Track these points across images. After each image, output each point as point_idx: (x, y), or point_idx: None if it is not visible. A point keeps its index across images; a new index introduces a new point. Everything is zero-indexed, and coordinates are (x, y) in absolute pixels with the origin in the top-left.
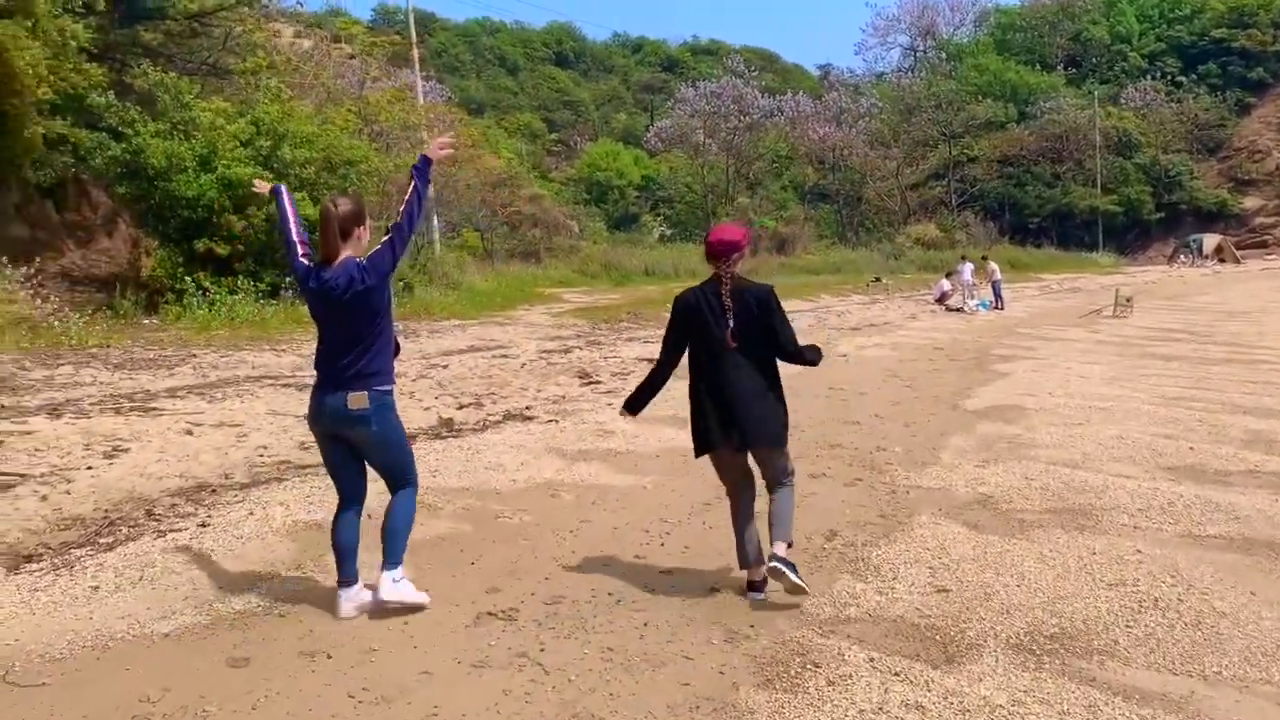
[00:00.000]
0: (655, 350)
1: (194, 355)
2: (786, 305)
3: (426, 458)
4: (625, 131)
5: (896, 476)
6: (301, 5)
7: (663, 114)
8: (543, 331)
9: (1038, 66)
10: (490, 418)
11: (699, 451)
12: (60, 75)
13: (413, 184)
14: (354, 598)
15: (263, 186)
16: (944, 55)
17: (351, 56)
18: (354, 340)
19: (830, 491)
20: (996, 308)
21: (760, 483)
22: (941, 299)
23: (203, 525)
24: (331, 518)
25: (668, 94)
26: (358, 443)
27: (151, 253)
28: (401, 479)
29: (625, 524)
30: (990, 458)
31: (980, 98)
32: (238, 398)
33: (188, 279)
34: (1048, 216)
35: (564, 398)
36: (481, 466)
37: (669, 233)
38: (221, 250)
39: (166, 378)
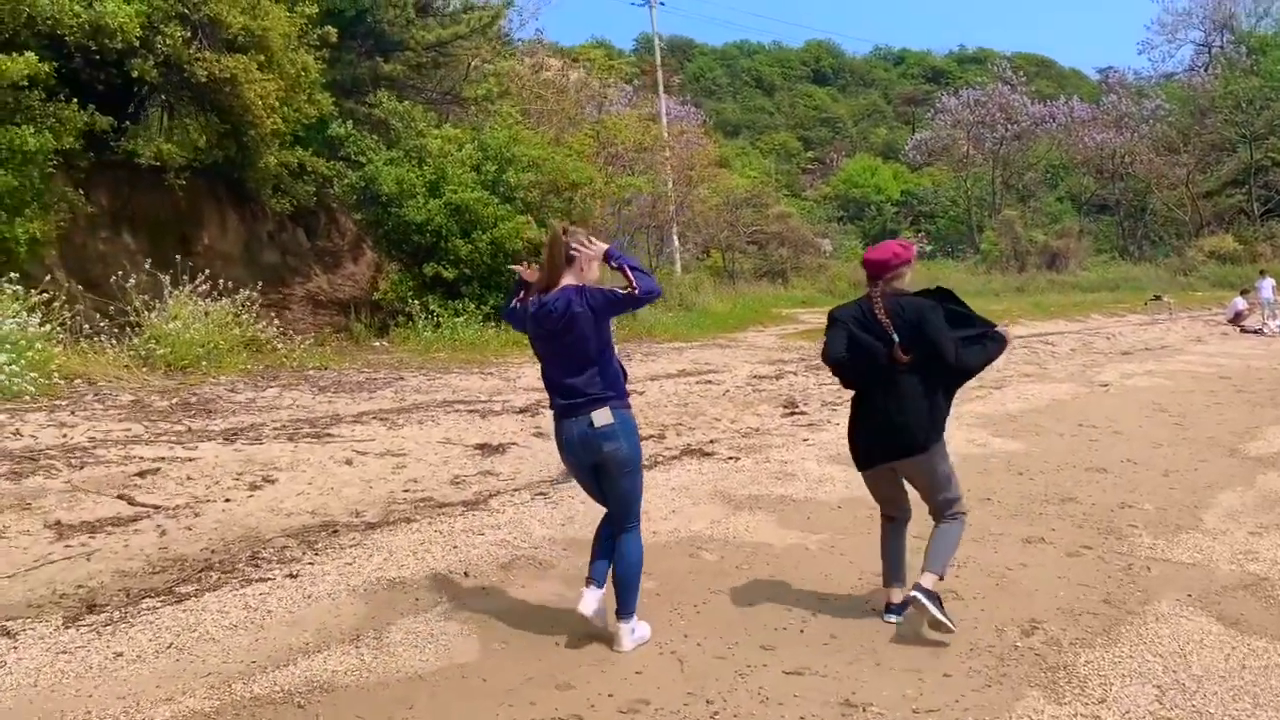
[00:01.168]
0: None
1: (401, 378)
2: (1050, 326)
3: (566, 501)
4: (885, 146)
5: (1139, 545)
6: (541, 33)
7: (924, 126)
8: (763, 355)
9: None
10: (666, 452)
11: (858, 467)
12: (295, 106)
13: (621, 269)
14: (598, 598)
15: (529, 274)
16: (1245, 49)
17: (608, 85)
18: (582, 365)
19: (1045, 564)
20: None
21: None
22: (1235, 319)
23: (291, 575)
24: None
25: (930, 106)
26: (604, 464)
27: (388, 277)
28: (629, 512)
29: (766, 598)
30: (1270, 523)
31: None
32: (419, 424)
33: (415, 302)
34: None
35: (758, 430)
36: None
37: (929, 249)
38: (448, 273)
39: (365, 401)
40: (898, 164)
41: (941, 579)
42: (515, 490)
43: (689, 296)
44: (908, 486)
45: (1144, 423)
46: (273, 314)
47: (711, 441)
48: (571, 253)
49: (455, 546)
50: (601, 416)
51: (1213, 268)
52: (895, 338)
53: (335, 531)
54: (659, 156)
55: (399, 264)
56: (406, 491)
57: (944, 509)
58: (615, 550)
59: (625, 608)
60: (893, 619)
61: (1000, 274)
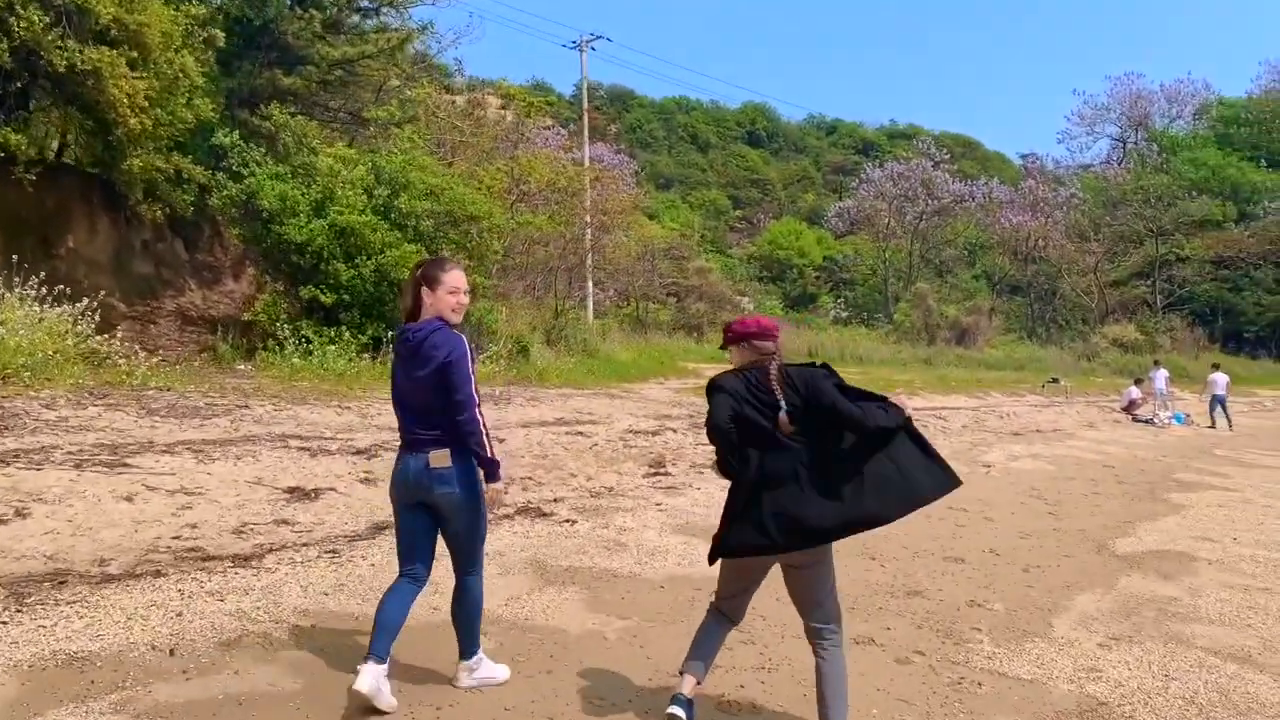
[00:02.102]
0: None
1: (247, 406)
2: (948, 400)
3: (353, 563)
4: (812, 211)
5: (977, 653)
6: (460, 63)
7: (848, 195)
8: (652, 408)
9: (1263, 163)
10: (500, 510)
11: (719, 554)
12: (170, 109)
13: (484, 450)
14: (378, 674)
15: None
16: (1156, 148)
17: (548, 127)
18: (432, 405)
19: (868, 671)
20: (1209, 426)
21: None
22: (1129, 407)
23: None
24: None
25: (857, 176)
26: (437, 506)
27: (262, 297)
28: (470, 556)
29: (528, 699)
30: (1123, 633)
31: (1195, 194)
32: (236, 459)
33: (285, 326)
34: (1267, 325)
35: (611, 490)
36: None
37: (844, 314)
38: (326, 298)
39: (192, 429)
40: (822, 230)
41: None
42: (305, 545)
43: (593, 343)
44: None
45: (1017, 509)
46: (137, 327)
47: (555, 500)
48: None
49: (180, 614)
50: (439, 459)
51: (1115, 355)
52: (783, 405)
53: (62, 583)
54: (575, 199)
55: (278, 285)
56: (176, 539)
57: (827, 622)
58: (454, 594)
59: (466, 650)
60: (678, 712)
61: (910, 345)
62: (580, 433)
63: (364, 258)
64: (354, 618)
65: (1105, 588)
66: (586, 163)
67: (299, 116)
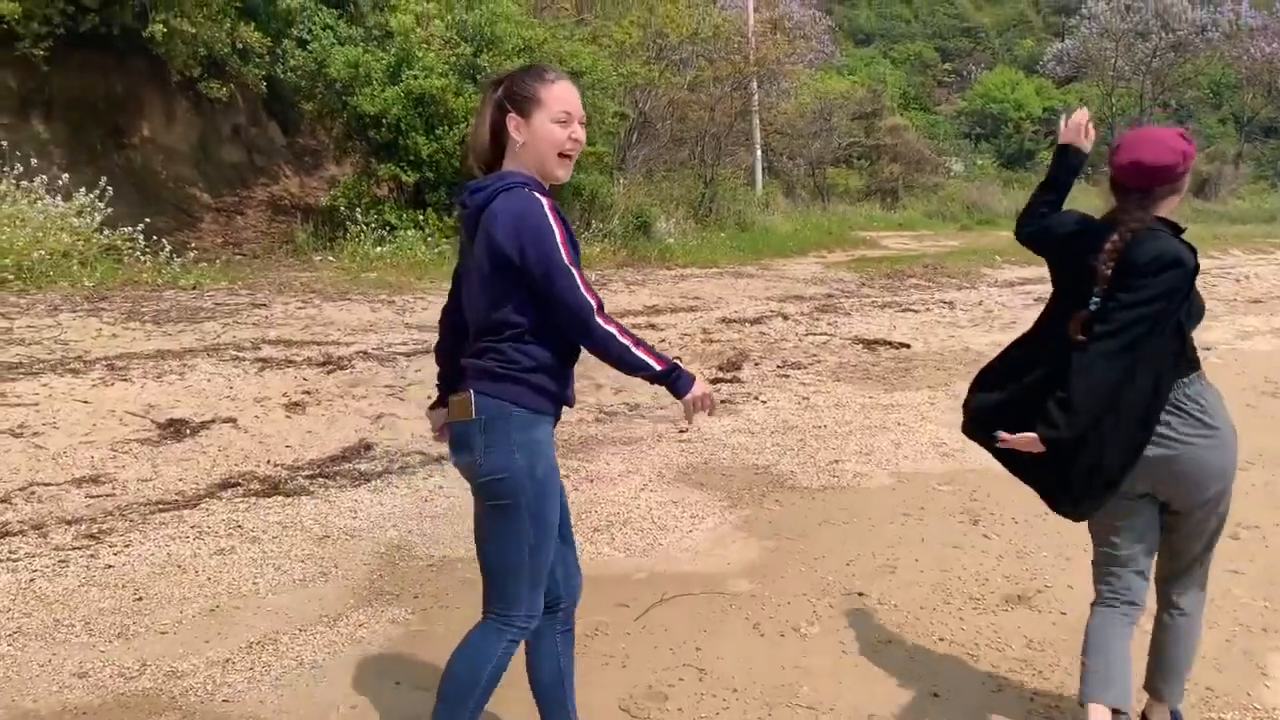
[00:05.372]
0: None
1: (264, 306)
2: None
3: (127, 566)
4: (1030, 59)
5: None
6: None
7: (1070, 34)
8: (782, 288)
9: None
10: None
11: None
12: None
13: (647, 369)
14: None
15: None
16: None
17: None
18: (480, 309)
19: None
20: None
21: None
22: None
23: None
24: None
25: (1080, 14)
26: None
27: (342, 179)
28: (496, 586)
29: None
30: None
31: None
32: (157, 376)
33: (358, 209)
34: None
35: (634, 408)
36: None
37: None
38: (409, 177)
39: (164, 337)
40: (1042, 79)
41: None
42: (79, 521)
43: (750, 215)
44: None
45: (1243, 414)
46: (222, 219)
47: None
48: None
49: None
50: (459, 407)
51: None
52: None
53: None
54: (737, 53)
55: (359, 164)
56: None
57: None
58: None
59: None
60: None
61: None
62: (653, 325)
63: (446, 128)
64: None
65: None
66: (750, 8)
67: None
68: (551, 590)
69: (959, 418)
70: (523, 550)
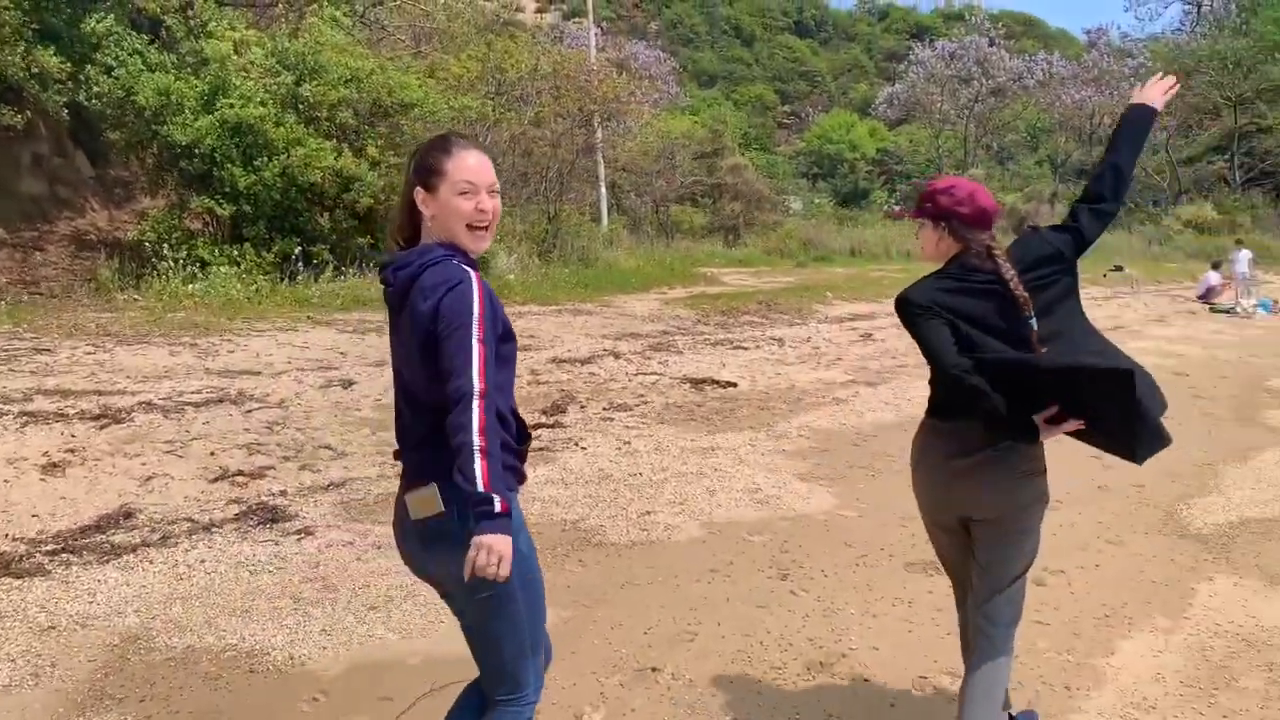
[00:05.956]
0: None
1: (47, 351)
2: None
3: None
4: (864, 102)
5: None
6: None
7: (899, 78)
8: (619, 325)
9: None
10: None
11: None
12: None
13: (470, 483)
14: None
15: None
16: (1235, 8)
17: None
18: (416, 396)
19: None
20: None
21: None
22: (1206, 295)
23: None
24: None
25: (908, 59)
26: (442, 582)
27: (150, 213)
28: (497, 674)
29: None
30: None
31: (1278, 57)
32: None
33: (165, 247)
34: None
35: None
36: None
37: (897, 208)
38: (224, 210)
39: None
40: (875, 121)
41: None
42: None
43: (593, 251)
44: None
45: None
46: (17, 256)
47: (324, 489)
48: None
49: None
50: (421, 503)
51: (1189, 238)
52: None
53: None
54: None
55: (170, 197)
56: None
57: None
58: None
59: None
60: None
61: None
62: None
63: (265, 159)
64: None
65: (1174, 614)
66: (592, 48)
67: None
68: None
69: (777, 460)
70: (521, 633)
